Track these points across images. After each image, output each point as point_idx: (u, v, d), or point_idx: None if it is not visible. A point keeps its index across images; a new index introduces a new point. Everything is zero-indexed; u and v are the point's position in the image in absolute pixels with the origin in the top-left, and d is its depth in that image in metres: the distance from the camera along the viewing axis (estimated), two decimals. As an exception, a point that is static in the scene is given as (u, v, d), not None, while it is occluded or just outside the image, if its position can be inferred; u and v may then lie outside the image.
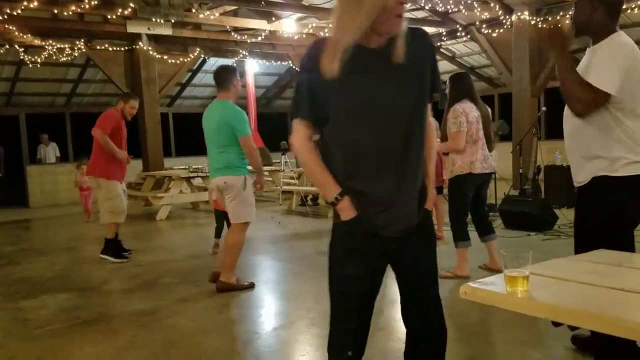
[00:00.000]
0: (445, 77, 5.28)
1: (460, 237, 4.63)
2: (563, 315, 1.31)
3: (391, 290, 4.52)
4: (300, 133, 1.83)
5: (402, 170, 1.77)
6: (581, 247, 2.20)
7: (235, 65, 13.40)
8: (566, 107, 2.34)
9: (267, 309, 4.22)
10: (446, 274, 4.55)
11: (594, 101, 2.16)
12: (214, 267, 4.82)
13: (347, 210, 1.79)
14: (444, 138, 4.68)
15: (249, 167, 4.63)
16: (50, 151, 13.57)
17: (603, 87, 2.12)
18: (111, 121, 5.84)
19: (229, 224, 6.34)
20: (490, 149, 4.67)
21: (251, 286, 4.69)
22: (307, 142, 1.83)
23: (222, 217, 6.22)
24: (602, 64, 2.16)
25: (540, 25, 9.65)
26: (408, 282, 1.93)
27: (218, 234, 6.19)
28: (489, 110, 4.64)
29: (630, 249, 1.97)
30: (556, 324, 1.38)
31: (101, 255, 6.02)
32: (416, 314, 1.92)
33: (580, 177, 2.28)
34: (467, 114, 4.46)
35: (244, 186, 4.49)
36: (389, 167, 1.76)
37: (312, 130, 1.83)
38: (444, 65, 12.97)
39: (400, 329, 3.60)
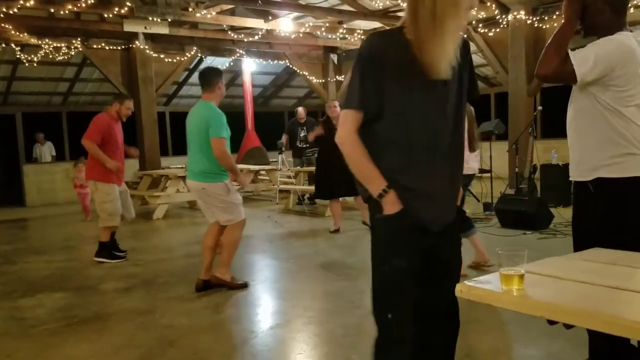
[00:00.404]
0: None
1: (465, 226, 4.76)
2: (559, 313, 1.32)
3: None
4: (349, 125, 1.85)
5: (449, 167, 1.89)
6: (580, 245, 2.20)
7: (226, 66, 13.52)
8: (569, 102, 2.31)
9: (263, 308, 4.23)
10: (471, 265, 4.86)
11: (558, 69, 2.14)
12: (201, 274, 4.62)
13: (392, 204, 1.84)
14: None
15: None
16: (45, 150, 13.53)
17: (574, 63, 2.10)
18: (100, 128, 5.75)
19: None
20: (472, 149, 4.65)
21: (244, 285, 4.66)
22: (355, 134, 1.85)
23: None
24: (588, 49, 2.15)
25: (536, 25, 9.66)
26: (437, 273, 1.97)
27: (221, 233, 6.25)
28: (472, 109, 4.66)
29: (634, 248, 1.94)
30: (551, 322, 1.38)
31: (95, 259, 5.97)
32: (440, 296, 1.96)
33: (580, 173, 2.26)
34: None
35: (228, 190, 4.45)
36: (439, 164, 1.86)
37: (360, 123, 1.86)
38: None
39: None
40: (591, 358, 1.55)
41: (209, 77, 4.55)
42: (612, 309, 1.31)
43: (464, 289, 1.53)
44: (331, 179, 6.80)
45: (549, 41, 2.20)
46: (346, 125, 1.85)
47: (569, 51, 2.14)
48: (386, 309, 1.93)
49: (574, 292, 1.47)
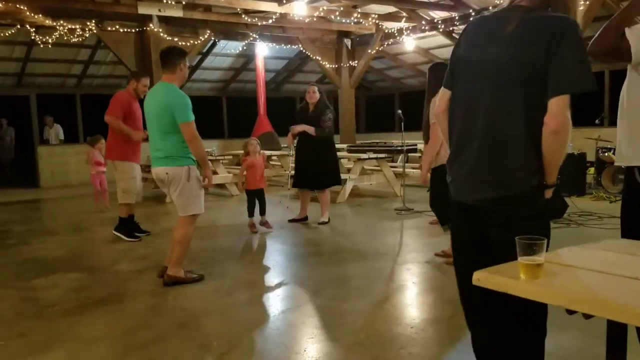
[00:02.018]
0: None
1: (448, 220, 4.66)
2: (578, 303, 1.30)
3: (399, 276, 4.54)
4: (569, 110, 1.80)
5: None
6: (628, 233, 2.15)
7: (239, 50, 13.44)
8: (625, 82, 2.24)
9: (274, 292, 4.24)
10: (439, 253, 4.90)
11: (612, 46, 2.10)
12: (165, 262, 4.46)
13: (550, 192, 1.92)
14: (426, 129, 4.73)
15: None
16: (53, 133, 13.57)
17: (631, 41, 2.05)
18: (122, 105, 5.88)
19: (261, 203, 6.48)
20: None
21: (200, 278, 4.42)
22: None
23: (253, 196, 6.35)
24: None
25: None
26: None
27: (251, 213, 6.48)
28: None
29: None
30: (570, 312, 1.36)
31: (114, 232, 6.15)
32: None
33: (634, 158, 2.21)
34: None
35: (188, 177, 4.19)
36: None
37: None
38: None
39: (408, 315, 3.62)
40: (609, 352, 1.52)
41: (171, 57, 4.28)
42: (632, 300, 1.28)
43: (481, 277, 1.51)
44: (311, 169, 6.66)
45: (611, 19, 2.15)
46: (569, 110, 1.75)
47: (626, 29, 2.09)
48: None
49: (593, 282, 1.44)
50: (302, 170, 6.78)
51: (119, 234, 6.11)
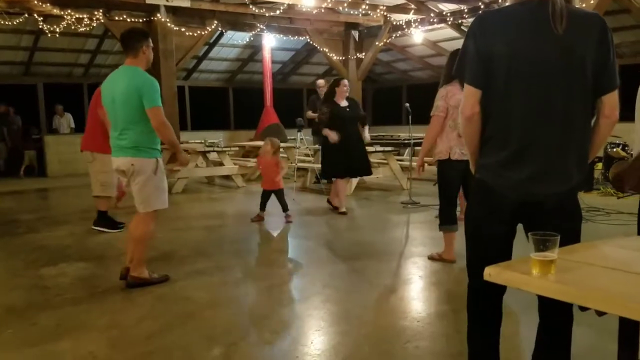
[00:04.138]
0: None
1: (445, 220, 4.59)
2: (592, 300, 1.30)
3: (405, 270, 4.54)
4: None
5: None
6: None
7: (246, 41, 13.39)
8: None
9: (281, 285, 4.25)
10: (433, 256, 4.74)
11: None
12: (126, 263, 4.16)
13: None
14: None
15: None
16: (64, 122, 13.63)
17: None
18: None
19: (279, 202, 6.51)
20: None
21: (165, 279, 4.17)
22: None
23: (268, 193, 6.60)
24: None
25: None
26: None
27: (262, 208, 6.58)
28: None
29: None
30: (583, 309, 1.36)
31: (94, 227, 6.06)
32: None
33: None
34: (449, 98, 4.31)
35: (156, 170, 3.91)
36: None
37: None
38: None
39: (414, 309, 3.63)
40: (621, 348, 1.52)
41: (132, 39, 3.98)
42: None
43: (493, 272, 1.51)
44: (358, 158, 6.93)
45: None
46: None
47: None
48: None
49: (606, 279, 1.44)
50: (349, 160, 6.89)
51: (99, 228, 6.01)
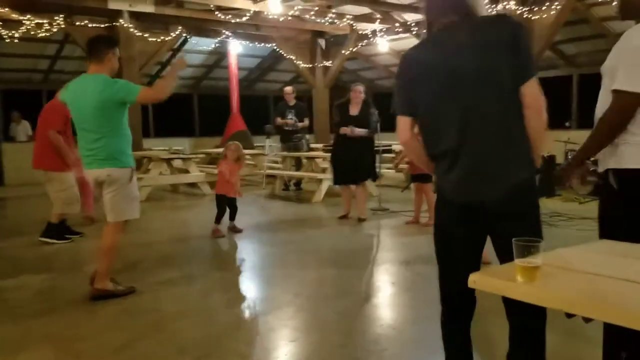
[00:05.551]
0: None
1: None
2: (578, 307, 1.29)
3: (378, 277, 4.53)
4: None
5: None
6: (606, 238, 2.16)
7: (212, 47, 13.26)
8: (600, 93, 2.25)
9: (252, 294, 4.18)
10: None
11: (627, 107, 2.06)
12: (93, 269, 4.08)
13: None
14: None
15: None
16: (20, 130, 13.17)
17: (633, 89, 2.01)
18: (59, 116, 5.57)
19: (231, 210, 6.32)
20: None
21: (131, 291, 4.04)
22: None
23: (224, 203, 6.19)
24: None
25: (525, 16, 9.65)
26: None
27: (217, 220, 6.19)
28: None
29: None
30: (569, 315, 1.35)
31: (40, 239, 5.80)
32: None
33: (608, 163, 2.21)
34: None
35: (130, 178, 3.90)
36: None
37: None
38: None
39: (389, 316, 3.61)
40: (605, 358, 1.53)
41: (99, 46, 3.88)
42: (631, 303, 1.28)
43: (477, 279, 1.50)
44: (351, 165, 6.82)
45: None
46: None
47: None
48: None
49: (590, 285, 1.43)
50: (344, 166, 6.84)
51: (46, 239, 5.75)
